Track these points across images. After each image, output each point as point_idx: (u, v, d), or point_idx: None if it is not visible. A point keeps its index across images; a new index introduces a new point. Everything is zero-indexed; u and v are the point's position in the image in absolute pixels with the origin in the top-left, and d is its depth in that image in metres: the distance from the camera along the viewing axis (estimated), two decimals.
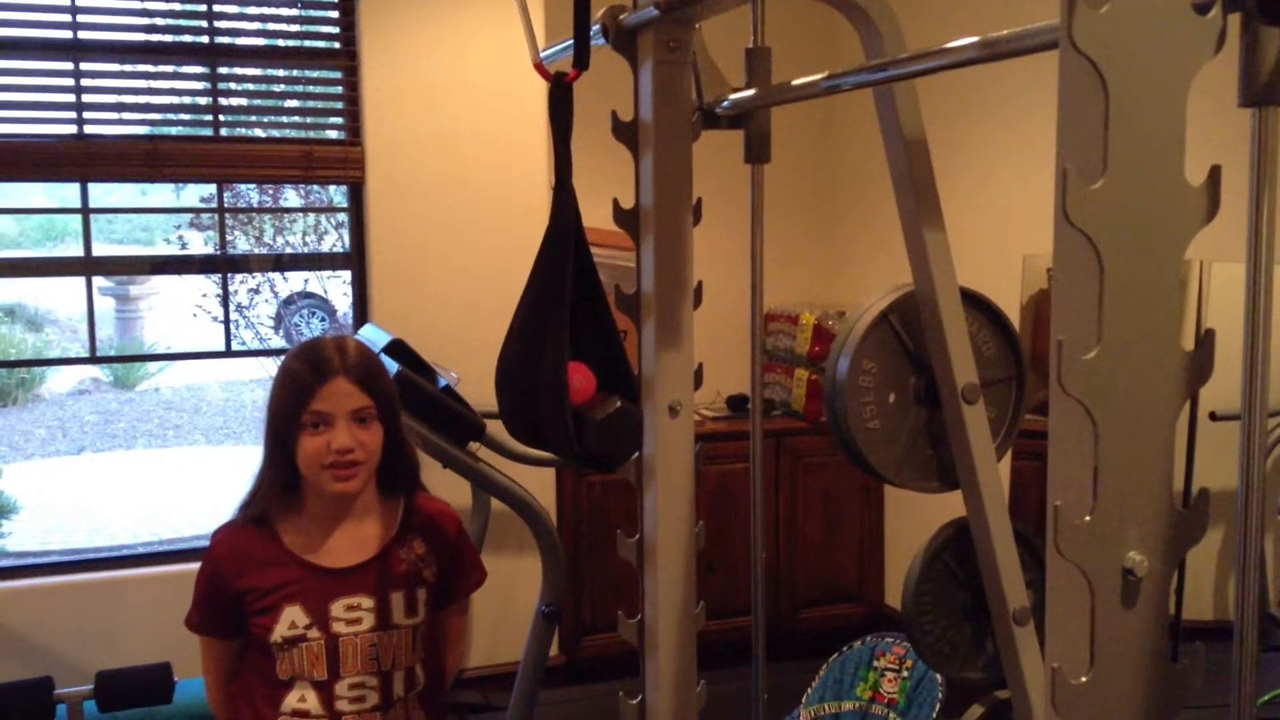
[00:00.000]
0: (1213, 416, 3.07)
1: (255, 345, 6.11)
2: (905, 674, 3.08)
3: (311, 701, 1.72)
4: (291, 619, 1.71)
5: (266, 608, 1.71)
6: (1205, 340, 0.86)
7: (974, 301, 2.01)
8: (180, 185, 4.11)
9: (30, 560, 3.92)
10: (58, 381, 8.85)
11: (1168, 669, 0.82)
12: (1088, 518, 0.78)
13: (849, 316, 2.04)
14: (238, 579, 1.73)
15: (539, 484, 3.73)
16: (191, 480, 7.15)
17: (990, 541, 1.88)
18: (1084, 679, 0.76)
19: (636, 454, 1.72)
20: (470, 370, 3.16)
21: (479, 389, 3.03)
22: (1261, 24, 0.90)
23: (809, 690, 3.25)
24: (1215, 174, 0.86)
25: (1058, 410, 0.80)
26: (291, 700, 1.72)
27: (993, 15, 3.64)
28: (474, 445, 2.94)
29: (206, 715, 3.29)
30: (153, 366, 9.03)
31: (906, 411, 2.00)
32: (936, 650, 2.03)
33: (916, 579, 2.02)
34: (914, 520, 4.41)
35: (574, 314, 1.53)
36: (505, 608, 3.97)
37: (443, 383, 2.93)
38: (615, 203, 1.80)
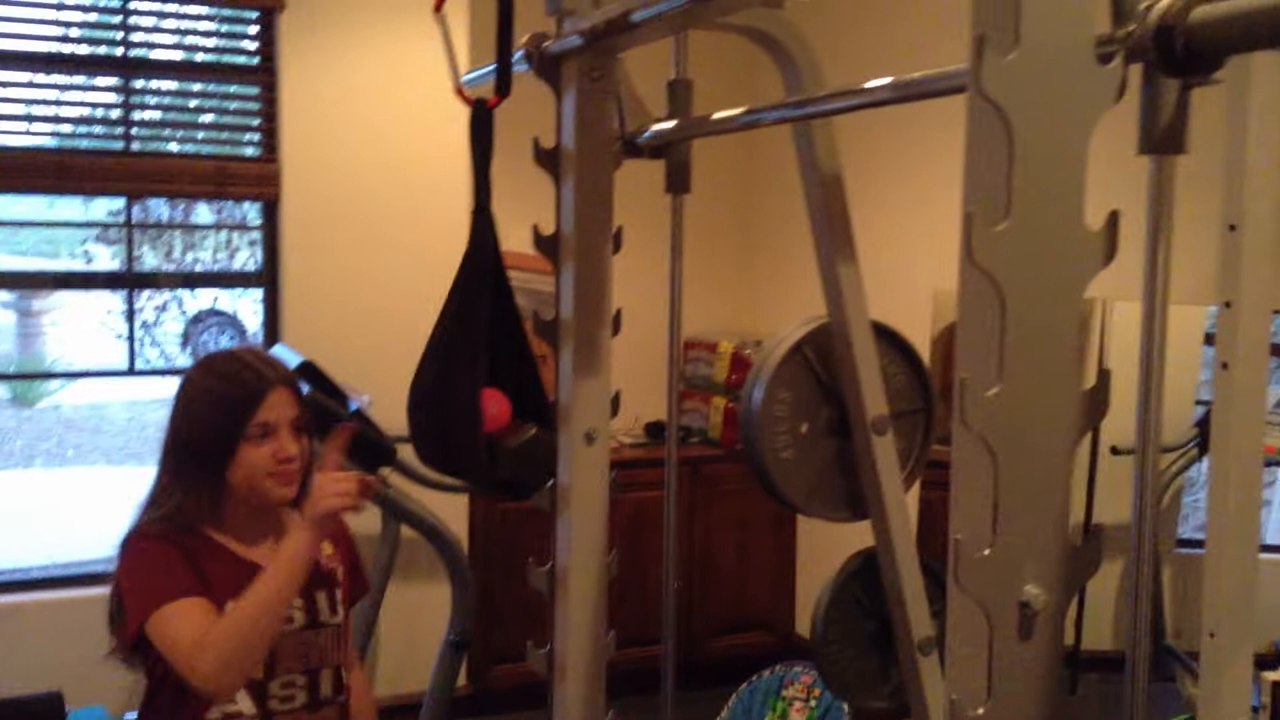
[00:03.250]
0: (1114, 451, 3.17)
1: (161, 364, 5.95)
2: (813, 703, 3.10)
3: (244, 702, 1.69)
4: None
5: (213, 601, 1.66)
6: (1101, 379, 0.88)
7: (885, 334, 2.05)
8: (89, 198, 4.00)
9: None
10: None
11: (1064, 700, 0.84)
12: (987, 551, 0.80)
13: (765, 346, 2.06)
14: (183, 554, 1.67)
15: (451, 510, 3.69)
16: (92, 502, 6.92)
17: (897, 571, 1.91)
18: (981, 710, 0.78)
19: (550, 482, 1.72)
20: (382, 394, 3.11)
21: (391, 413, 2.99)
22: (1161, 75, 0.94)
23: (719, 718, 3.26)
24: (1114, 219, 0.89)
25: (960, 445, 0.82)
26: (218, 709, 1.69)
27: (910, 56, 3.73)
28: (385, 470, 2.90)
29: None
30: (54, 384, 8.74)
31: (818, 441, 2.03)
32: (843, 679, 2.05)
33: (825, 607, 2.04)
34: (826, 549, 4.45)
35: (490, 339, 1.52)
36: (412, 637, 3.91)
37: (354, 406, 2.89)
38: (535, 229, 1.80)
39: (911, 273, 3.78)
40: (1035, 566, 0.79)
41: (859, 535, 2.03)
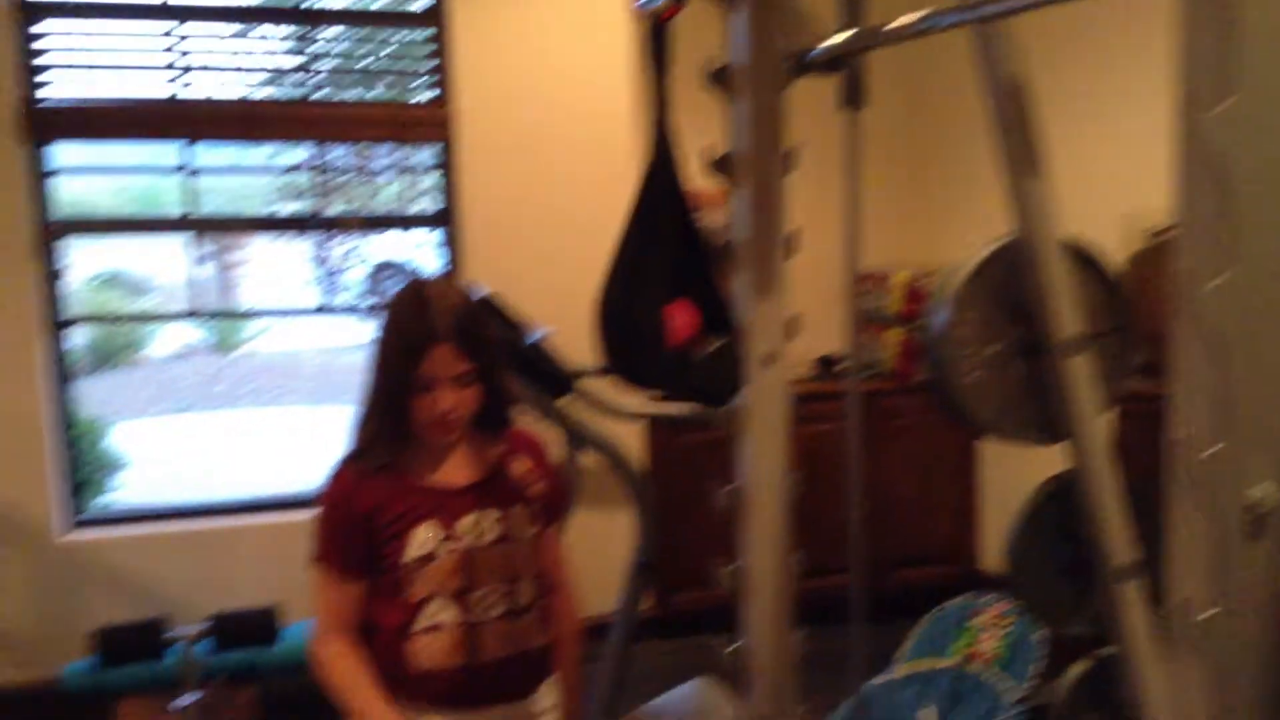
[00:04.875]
0: None
1: (349, 304, 6.19)
2: (1003, 633, 3.03)
3: (445, 616, 1.77)
4: (423, 537, 1.77)
5: (397, 533, 1.77)
6: None
7: (1076, 253, 1.95)
8: (274, 152, 4.21)
9: (144, 509, 4.06)
10: (159, 347, 9.14)
11: None
12: (1211, 451, 0.75)
13: (949, 267, 2.00)
14: (365, 505, 1.78)
15: (630, 440, 3.74)
16: (294, 438, 7.36)
17: (1097, 494, 1.83)
18: (1209, 613, 0.74)
19: (737, 392, 1.70)
20: (562, 325, 3.17)
21: (570, 344, 3.05)
22: None
23: (904, 647, 3.22)
24: None
25: (1182, 341, 0.77)
26: (425, 619, 1.77)
27: None
28: (565, 400, 2.96)
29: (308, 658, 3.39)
30: (251, 331, 9.26)
31: (1008, 363, 1.96)
32: (1039, 605, 2.00)
33: (1020, 533, 1.99)
34: (1010, 481, 4.34)
35: (674, 251, 1.52)
36: (598, 561, 3.99)
37: (533, 338, 2.95)
38: (707, 151, 1.78)
39: (1098, 196, 3.58)
40: (1264, 464, 0.74)
41: (1046, 465, 1.96)
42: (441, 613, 1.77)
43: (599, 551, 4.00)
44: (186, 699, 3.05)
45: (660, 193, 1.52)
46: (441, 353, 1.71)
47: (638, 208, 1.55)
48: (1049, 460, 1.93)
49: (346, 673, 1.79)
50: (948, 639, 3.15)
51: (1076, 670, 2.02)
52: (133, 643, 3.16)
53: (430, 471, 1.82)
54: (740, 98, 1.76)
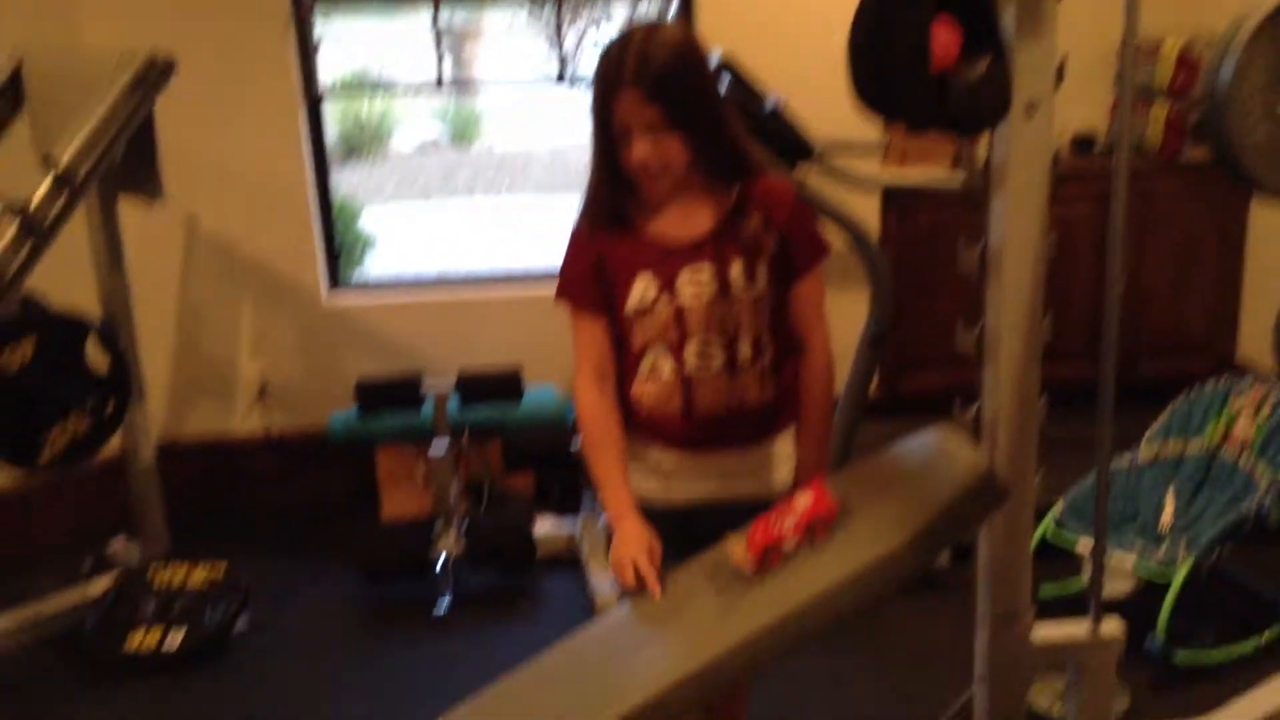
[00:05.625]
0: None
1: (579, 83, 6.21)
2: (1262, 418, 2.85)
3: (664, 365, 1.81)
4: (643, 288, 1.78)
5: (619, 282, 1.79)
6: None
7: None
8: None
9: (396, 279, 4.32)
10: (402, 142, 9.52)
11: None
12: None
13: (1235, 20, 1.80)
14: (595, 253, 1.81)
15: (866, 218, 3.65)
16: (528, 223, 7.65)
17: None
18: None
19: (997, 120, 1.58)
20: (798, 95, 3.07)
21: (808, 113, 2.96)
22: None
23: (1154, 426, 3.08)
24: None
25: None
26: (646, 366, 1.82)
27: None
28: (803, 167, 2.90)
29: (548, 416, 3.59)
30: (486, 126, 9.49)
31: None
32: None
33: None
34: (1278, 268, 4.03)
35: None
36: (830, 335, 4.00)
37: (770, 104, 2.88)
38: None
39: None
40: None
41: None
42: (660, 362, 1.80)
43: (831, 325, 3.99)
44: (438, 447, 3.30)
45: None
46: (629, 97, 1.65)
47: None
48: None
49: (596, 434, 1.82)
50: (1202, 420, 2.99)
51: None
52: (389, 395, 3.43)
53: (654, 224, 1.79)
54: None
